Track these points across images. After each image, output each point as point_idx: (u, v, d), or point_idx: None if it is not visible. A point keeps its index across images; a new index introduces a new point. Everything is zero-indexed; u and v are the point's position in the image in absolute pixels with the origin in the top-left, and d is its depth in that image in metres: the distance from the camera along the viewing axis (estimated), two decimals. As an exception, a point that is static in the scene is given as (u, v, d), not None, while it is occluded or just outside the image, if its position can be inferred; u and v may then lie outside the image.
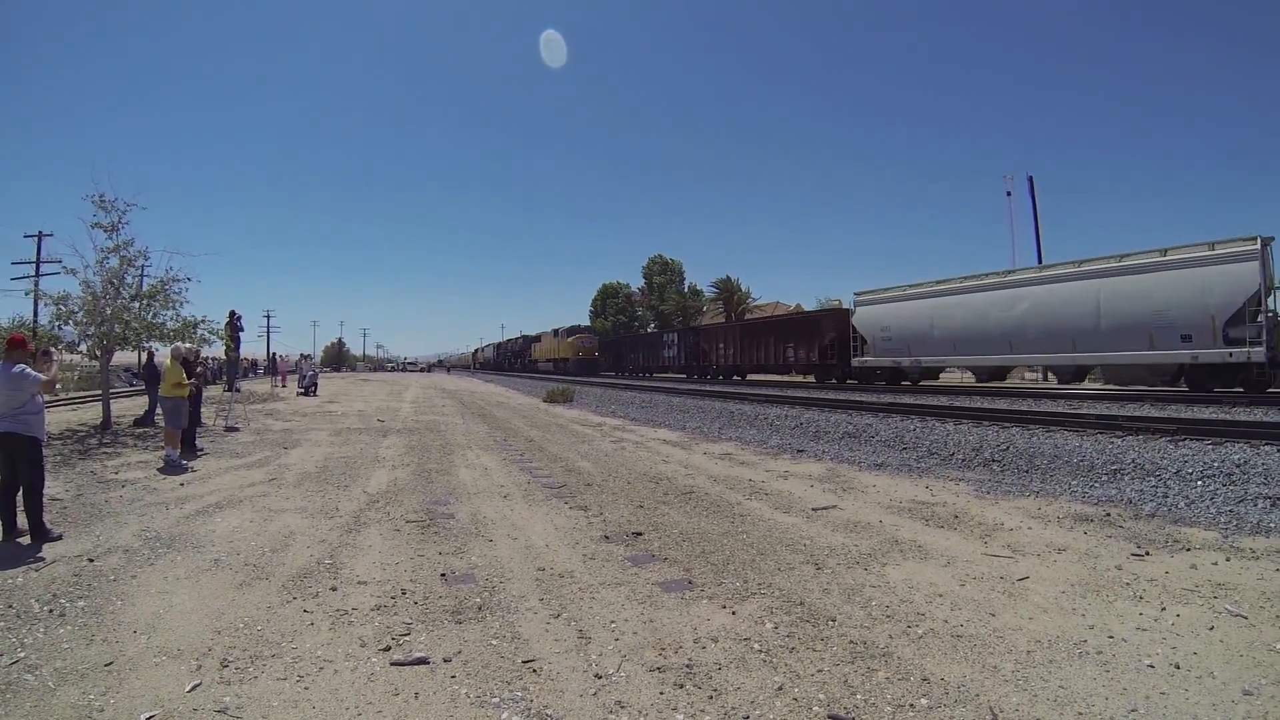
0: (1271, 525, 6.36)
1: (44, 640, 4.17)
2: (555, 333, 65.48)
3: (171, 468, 10.59)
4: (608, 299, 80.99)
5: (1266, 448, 8.86)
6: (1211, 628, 4.14)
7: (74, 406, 21.88)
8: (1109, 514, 7.12)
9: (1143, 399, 16.51)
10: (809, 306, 61.68)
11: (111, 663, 3.84)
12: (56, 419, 16.29)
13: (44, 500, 6.78)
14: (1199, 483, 7.92)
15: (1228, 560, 5.48)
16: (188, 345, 14.61)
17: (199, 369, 14.36)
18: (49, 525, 6.68)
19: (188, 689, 3.51)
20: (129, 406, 20.47)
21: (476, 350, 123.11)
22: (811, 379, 32.91)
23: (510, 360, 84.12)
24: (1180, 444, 9.59)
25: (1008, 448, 10.52)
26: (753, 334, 37.04)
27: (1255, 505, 6.98)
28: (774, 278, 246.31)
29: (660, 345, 48.20)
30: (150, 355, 17.87)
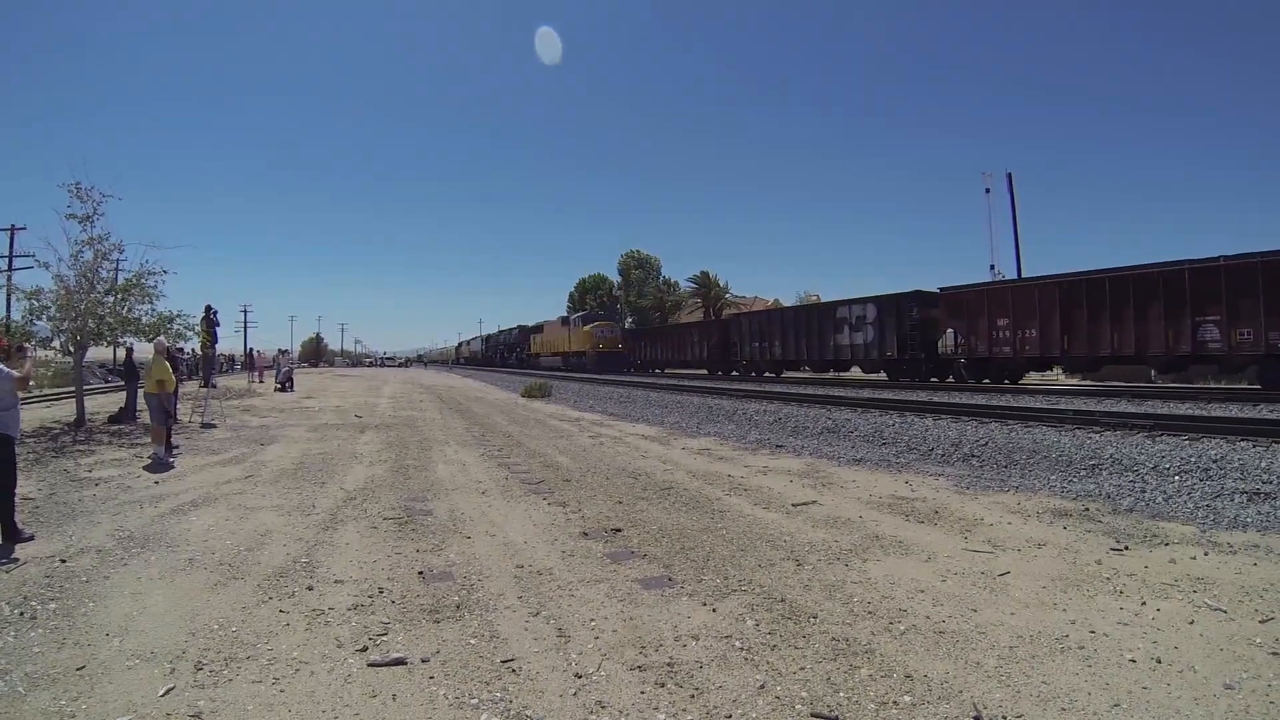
0: (1248, 520, 6.41)
1: (14, 644, 4.09)
2: (564, 321, 54.74)
3: (158, 465, 10.45)
4: (586, 293, 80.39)
5: (1242, 443, 8.94)
6: (1191, 622, 4.16)
7: (47, 403, 21.51)
8: (1088, 509, 7.15)
9: (1120, 395, 16.63)
10: (788, 303, 61.32)
11: (83, 667, 3.76)
12: (30, 416, 15.98)
13: (15, 500, 6.66)
14: (1176, 478, 7.98)
15: (1206, 555, 5.51)
16: (168, 341, 14.44)
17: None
18: (20, 525, 6.56)
19: (161, 693, 3.45)
20: (103, 403, 20.16)
21: (461, 344, 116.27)
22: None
23: (503, 355, 74.22)
24: (1157, 439, 9.67)
25: (986, 443, 10.56)
26: (1117, 298, 19.66)
27: (1232, 500, 7.03)
28: (751, 274, 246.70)
29: (829, 325, 29.82)
30: (129, 351, 17.64)
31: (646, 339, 49.28)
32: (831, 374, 31.16)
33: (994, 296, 23.17)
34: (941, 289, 25.35)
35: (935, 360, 25.88)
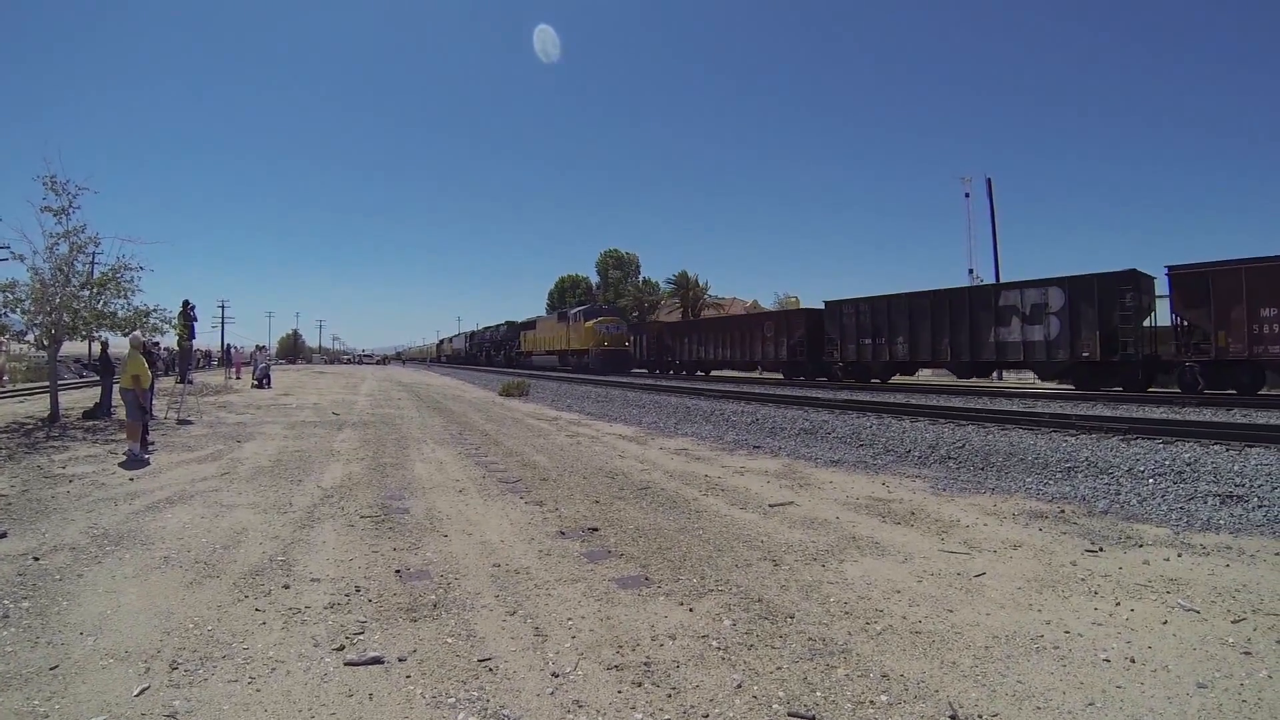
0: (1221, 522, 6.49)
1: (-16, 643, 4.03)
2: (562, 315, 49.17)
3: (133, 462, 10.32)
4: (565, 292, 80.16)
5: (1215, 447, 9.05)
6: (1165, 622, 4.20)
7: (21, 398, 21.25)
8: (1063, 511, 7.22)
9: (1095, 399, 16.77)
10: (766, 304, 61.74)
11: (57, 666, 3.71)
12: (2, 411, 15.84)
13: (-15, 495, 6.58)
14: (1150, 481, 8.07)
15: (1179, 556, 5.58)
16: (145, 336, 14.28)
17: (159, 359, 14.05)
18: (-10, 521, 6.47)
19: (136, 693, 3.41)
20: (78, 398, 19.93)
21: (442, 341, 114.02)
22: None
23: (489, 353, 69.84)
24: (1132, 443, 9.75)
25: (963, 445, 10.63)
26: None
27: (1205, 503, 7.12)
28: (729, 275, 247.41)
29: (987, 315, 22.66)
30: (104, 346, 17.44)
31: (694, 334, 38.95)
32: (974, 380, 24.98)
33: (1258, 276, 16.49)
34: (1170, 267, 18.54)
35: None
